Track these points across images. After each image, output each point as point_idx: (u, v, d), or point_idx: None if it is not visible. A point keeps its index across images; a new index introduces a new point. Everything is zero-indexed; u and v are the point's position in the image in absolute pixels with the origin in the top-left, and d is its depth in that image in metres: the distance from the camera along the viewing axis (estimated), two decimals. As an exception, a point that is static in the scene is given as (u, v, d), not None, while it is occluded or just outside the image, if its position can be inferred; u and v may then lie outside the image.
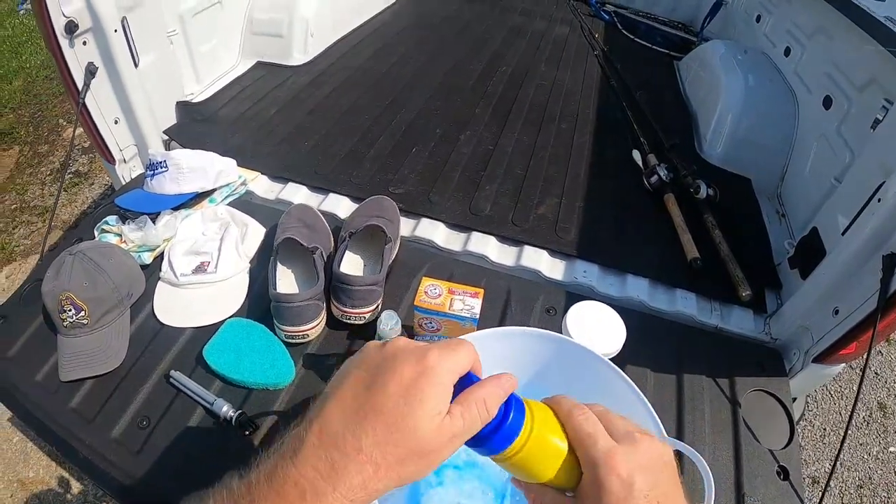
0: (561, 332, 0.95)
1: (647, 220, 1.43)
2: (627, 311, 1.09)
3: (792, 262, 1.35)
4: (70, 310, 1.00)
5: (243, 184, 1.37)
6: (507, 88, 1.88)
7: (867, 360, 0.98)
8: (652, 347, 1.10)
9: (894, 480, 2.26)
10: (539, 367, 0.79)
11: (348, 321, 1.03)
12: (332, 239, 1.18)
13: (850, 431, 2.34)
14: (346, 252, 1.10)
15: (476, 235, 1.30)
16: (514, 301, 1.15)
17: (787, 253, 1.40)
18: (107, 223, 1.23)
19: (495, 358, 0.79)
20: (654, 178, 1.51)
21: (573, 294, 1.18)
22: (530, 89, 1.90)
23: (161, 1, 1.46)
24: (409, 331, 0.99)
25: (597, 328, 0.96)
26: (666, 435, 0.65)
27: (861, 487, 2.21)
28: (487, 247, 1.28)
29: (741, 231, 1.43)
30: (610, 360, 0.90)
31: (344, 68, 1.87)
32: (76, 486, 1.66)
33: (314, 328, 1.01)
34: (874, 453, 2.32)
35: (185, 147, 1.46)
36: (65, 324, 1.01)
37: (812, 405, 2.34)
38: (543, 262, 1.27)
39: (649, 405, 0.67)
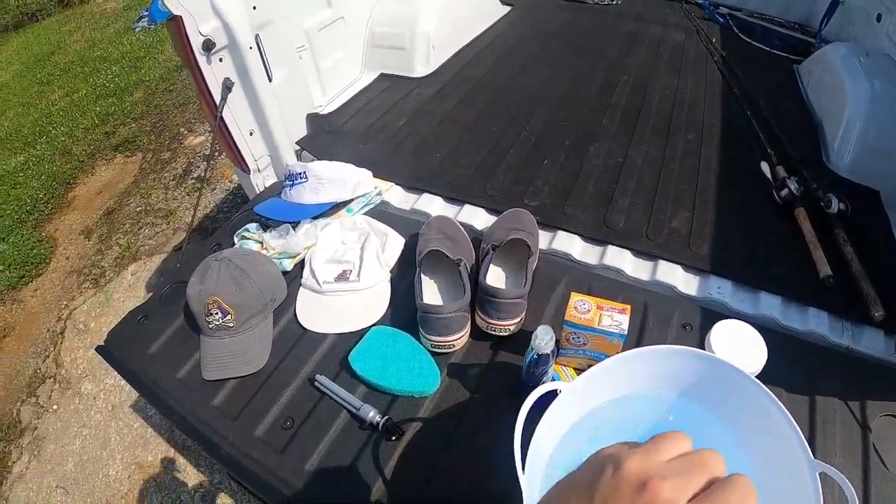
0: (702, 349, 0.91)
1: (777, 235, 1.37)
2: (760, 328, 1.05)
3: None
4: (217, 313, 1.04)
5: (379, 194, 1.38)
6: (630, 98, 1.83)
7: None
8: (785, 366, 1.03)
9: None
10: (689, 385, 0.77)
11: (493, 332, 1.02)
12: (473, 251, 1.17)
13: None
14: (491, 265, 1.08)
15: (612, 249, 1.26)
16: (651, 316, 1.11)
17: None
18: (248, 230, 1.27)
19: (654, 376, 0.77)
20: (784, 192, 1.44)
21: (708, 310, 1.14)
22: (654, 98, 1.83)
23: (290, 18, 1.51)
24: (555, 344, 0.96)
25: (739, 347, 0.95)
26: (812, 457, 0.62)
27: None
28: (624, 261, 1.24)
29: (872, 247, 1.35)
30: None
31: (466, 80, 1.87)
32: (192, 473, 1.72)
33: (460, 339, 1.00)
34: None
35: (316, 157, 1.51)
36: (210, 326, 1.04)
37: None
38: (678, 277, 1.23)
39: (797, 428, 0.64)
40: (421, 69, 1.89)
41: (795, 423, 0.66)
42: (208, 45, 1.27)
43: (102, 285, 2.35)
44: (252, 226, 1.29)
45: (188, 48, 1.25)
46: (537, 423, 0.65)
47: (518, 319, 1.01)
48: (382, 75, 1.90)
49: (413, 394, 0.96)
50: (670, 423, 0.82)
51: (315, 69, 1.71)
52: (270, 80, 1.44)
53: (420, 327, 1.00)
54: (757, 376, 0.88)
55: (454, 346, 1.00)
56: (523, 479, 0.63)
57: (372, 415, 0.91)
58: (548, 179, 1.43)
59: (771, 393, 0.70)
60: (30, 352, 2.16)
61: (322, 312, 1.11)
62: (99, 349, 1.11)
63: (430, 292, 1.08)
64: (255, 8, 1.36)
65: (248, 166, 1.50)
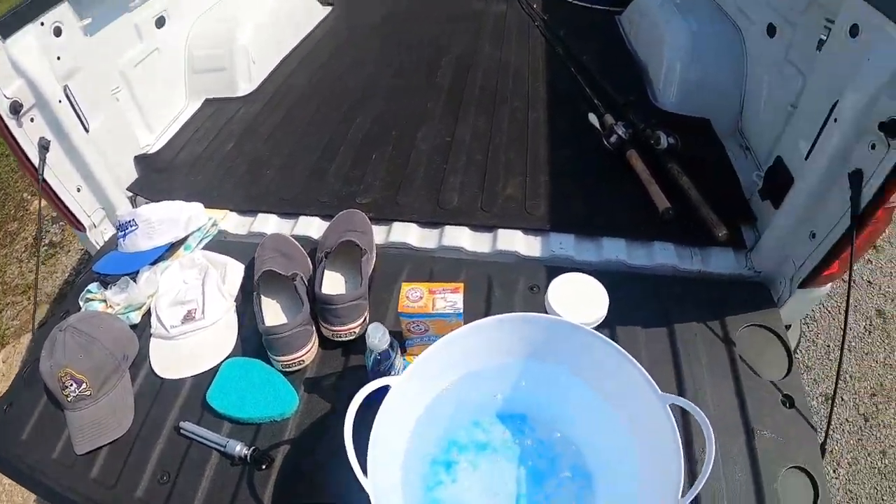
0: (545, 310, 0.99)
1: (613, 181, 1.46)
2: (609, 273, 1.13)
3: (762, 193, 1.37)
4: (71, 384, 1.04)
5: (214, 225, 1.39)
6: (454, 78, 1.90)
7: (850, 279, 1.03)
8: (640, 304, 1.14)
9: (907, 382, 2.32)
10: (534, 347, 0.83)
11: (339, 339, 1.07)
12: (311, 262, 1.21)
13: (853, 343, 2.41)
14: (325, 272, 1.13)
15: (449, 229, 1.33)
16: (496, 286, 1.19)
17: (756, 186, 1.42)
18: (90, 291, 1.26)
19: (491, 348, 0.84)
20: (613, 138, 1.54)
21: (554, 267, 1.21)
22: (478, 74, 1.92)
23: (100, 60, 1.47)
24: (398, 337, 1.02)
25: (579, 299, 1.00)
26: (660, 392, 0.69)
27: (874, 395, 2.27)
28: (461, 238, 1.31)
29: (708, 173, 1.46)
30: (598, 325, 0.94)
31: (292, 88, 1.89)
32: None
33: (307, 353, 1.04)
34: (881, 360, 2.38)
35: (151, 200, 1.49)
36: (69, 399, 1.04)
37: (812, 325, 2.40)
38: (518, 242, 1.30)
39: (640, 366, 0.71)
40: (245, 86, 1.88)
41: (637, 363, 0.73)
42: (16, 108, 1.22)
43: (-25, 380, 2.20)
44: (93, 286, 1.27)
45: (-6, 115, 1.21)
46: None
47: (360, 321, 1.07)
48: (207, 101, 1.88)
49: (274, 418, 1.00)
50: (523, 387, 0.90)
51: (137, 108, 1.67)
52: (87, 129, 1.40)
53: (267, 351, 1.04)
54: (610, 320, 0.99)
55: (303, 361, 1.04)
56: (367, 484, 0.67)
57: (238, 449, 0.95)
58: (378, 174, 1.49)
59: (608, 340, 0.77)
60: None
61: (175, 358, 1.13)
62: None
63: (273, 313, 1.13)
64: (59, 58, 1.32)
65: (82, 224, 1.46)
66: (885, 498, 1.97)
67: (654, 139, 1.51)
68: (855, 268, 1.03)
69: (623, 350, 0.76)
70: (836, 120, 1.03)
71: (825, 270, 1.10)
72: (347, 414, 0.71)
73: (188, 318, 1.17)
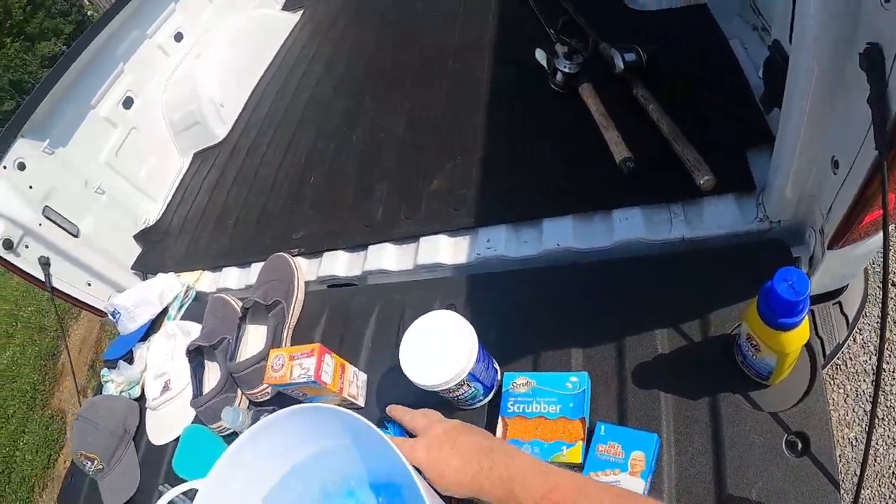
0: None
1: (561, 138, 1.21)
2: (554, 269, 1.01)
3: (764, 99, 1.03)
4: (87, 463, 1.31)
5: (188, 290, 1.57)
6: (391, 62, 1.84)
7: (885, 231, 0.63)
8: (596, 302, 0.93)
9: None
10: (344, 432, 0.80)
11: (260, 400, 1.18)
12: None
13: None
14: (250, 329, 1.26)
15: (372, 250, 1.32)
16: (408, 314, 1.11)
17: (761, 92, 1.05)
18: (104, 375, 1.52)
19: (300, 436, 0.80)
20: (558, 77, 1.28)
21: (475, 277, 1.12)
22: (414, 51, 1.81)
23: (74, 169, 1.69)
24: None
25: (434, 349, 0.86)
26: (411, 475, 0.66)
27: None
28: (382, 258, 1.29)
29: (702, 84, 1.13)
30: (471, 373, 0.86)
31: (252, 125, 1.99)
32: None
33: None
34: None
35: (153, 274, 1.70)
36: (90, 473, 1.31)
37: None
38: (442, 250, 1.22)
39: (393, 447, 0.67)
40: (220, 132, 2.02)
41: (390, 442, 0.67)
42: (8, 245, 1.49)
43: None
44: (104, 371, 1.53)
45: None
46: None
47: (263, 386, 1.15)
48: (195, 154, 2.05)
49: None
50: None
51: (133, 188, 1.89)
52: (77, 235, 1.65)
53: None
54: (548, 339, 0.90)
55: (228, 428, 1.15)
56: None
57: None
58: (313, 201, 1.53)
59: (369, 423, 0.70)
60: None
61: (159, 426, 1.34)
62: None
63: (212, 379, 1.27)
64: (31, 187, 1.56)
65: (102, 312, 1.73)
66: None
67: (609, 62, 1.24)
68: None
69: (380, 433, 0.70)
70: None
71: (865, 214, 0.72)
72: None
73: (165, 388, 1.36)
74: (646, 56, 1.22)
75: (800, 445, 0.72)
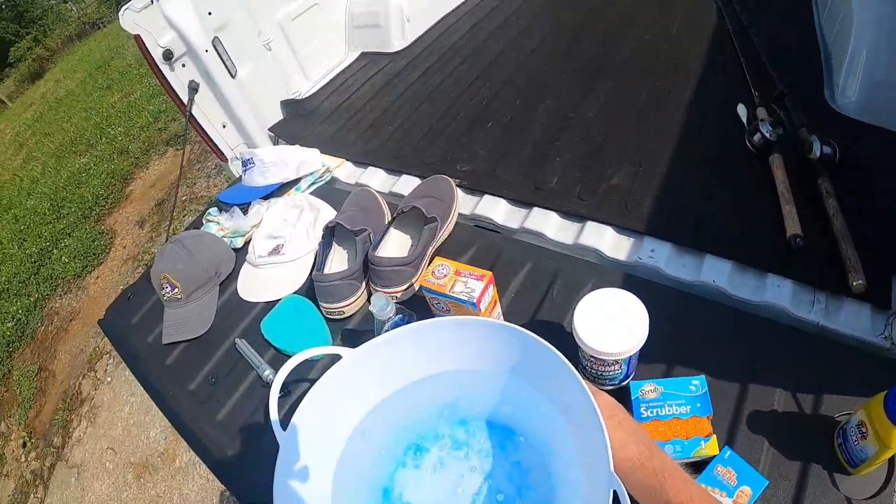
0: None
1: (743, 191, 1.26)
2: (698, 299, 1.03)
3: None
4: (167, 287, 1.26)
5: (327, 171, 1.53)
6: (600, 47, 1.81)
7: None
8: (721, 345, 0.98)
9: None
10: (525, 363, 0.79)
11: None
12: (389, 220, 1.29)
13: None
14: (393, 233, 1.21)
15: (536, 211, 1.30)
16: (559, 283, 1.11)
17: None
18: (210, 214, 1.48)
19: (483, 349, 0.80)
20: (756, 137, 1.32)
21: (632, 277, 1.10)
22: (629, 44, 1.79)
23: (253, 15, 1.68)
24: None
25: (613, 321, 0.86)
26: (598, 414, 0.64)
27: None
28: (547, 224, 1.27)
29: (874, 201, 1.18)
30: (633, 355, 0.86)
31: (437, 49, 1.97)
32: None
33: (349, 305, 1.13)
34: None
35: (287, 142, 1.67)
36: (164, 298, 1.28)
37: None
38: (606, 241, 1.21)
39: (587, 390, 0.66)
40: (397, 43, 2.00)
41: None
42: (168, 55, 1.49)
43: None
44: (213, 210, 1.49)
45: (151, 60, 1.48)
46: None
47: (405, 287, 1.12)
48: (363, 54, 2.03)
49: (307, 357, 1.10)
50: (505, 413, 0.86)
51: (293, 57, 1.88)
52: (234, 76, 1.62)
53: (315, 295, 1.15)
54: (676, 354, 0.94)
55: (343, 312, 1.13)
56: (281, 435, 0.72)
57: (267, 373, 1.09)
58: (486, 143, 1.51)
59: (569, 364, 0.69)
60: (91, 332, 2.55)
61: (255, 284, 1.29)
62: (100, 322, 1.39)
63: (338, 261, 1.22)
64: (210, 14, 1.55)
65: (225, 156, 1.70)
66: None
67: (807, 144, 1.27)
68: None
69: (578, 375, 0.69)
70: None
71: None
72: (280, 373, 0.79)
73: (275, 251, 1.32)
74: (839, 153, 1.26)
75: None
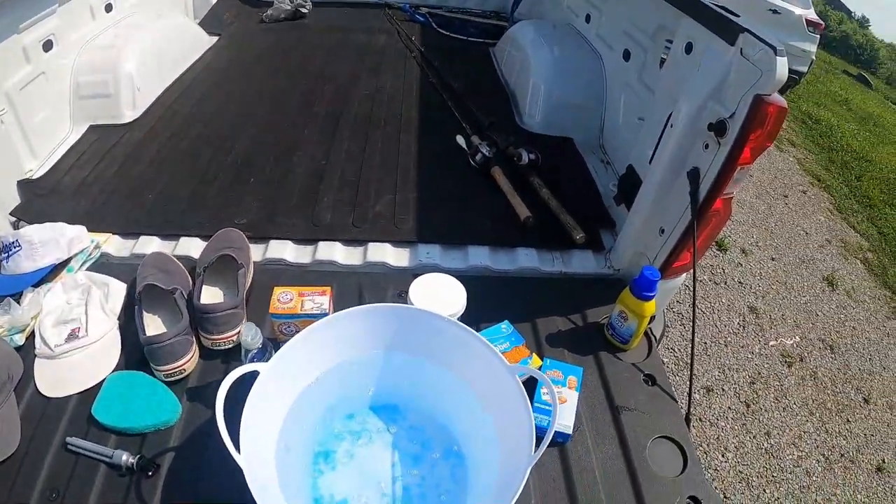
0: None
1: (478, 196, 1.73)
2: (475, 278, 1.36)
3: (617, 199, 1.70)
4: None
5: (97, 247, 1.54)
6: (331, 105, 2.17)
7: (694, 268, 1.32)
8: (506, 304, 1.37)
9: (780, 369, 2.69)
10: (394, 337, 1.03)
11: (219, 348, 1.25)
12: (190, 278, 1.39)
13: (730, 339, 2.77)
14: (204, 286, 1.32)
15: (322, 245, 1.54)
16: (366, 293, 1.40)
17: (614, 194, 1.73)
18: (-26, 315, 1.37)
19: (357, 335, 1.02)
20: (478, 156, 1.83)
21: (421, 275, 1.33)
22: (354, 101, 2.20)
23: None
24: (272, 340, 1.21)
25: (438, 295, 1.22)
26: (511, 371, 0.91)
27: (753, 383, 2.63)
28: (334, 253, 1.52)
29: (569, 185, 1.74)
30: (459, 318, 1.16)
31: (174, 116, 2.07)
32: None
33: (188, 362, 1.21)
34: (756, 351, 2.76)
35: (37, 222, 1.59)
36: None
37: (689, 324, 2.75)
38: (388, 254, 1.53)
39: (490, 345, 0.94)
40: (129, 114, 2.04)
41: (487, 342, 0.95)
42: None
43: None
44: (-24, 309, 1.38)
45: None
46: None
47: (237, 330, 1.25)
48: (91, 127, 2.00)
49: (158, 426, 1.12)
50: (392, 378, 1.08)
51: (21, 131, 1.76)
52: None
53: (149, 361, 1.19)
54: (479, 320, 1.27)
55: (184, 370, 1.20)
56: (240, 458, 0.80)
57: (125, 458, 1.05)
58: (256, 195, 1.69)
59: (462, 325, 0.98)
60: None
61: (60, 376, 1.24)
62: None
63: (154, 326, 1.29)
64: None
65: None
66: (774, 474, 2.30)
67: (517, 156, 1.81)
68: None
69: (482, 338, 0.98)
70: (672, 125, 1.31)
71: (675, 262, 1.40)
72: (218, 395, 0.86)
73: (72, 336, 1.29)
74: (540, 158, 1.82)
75: (650, 381, 1.29)
